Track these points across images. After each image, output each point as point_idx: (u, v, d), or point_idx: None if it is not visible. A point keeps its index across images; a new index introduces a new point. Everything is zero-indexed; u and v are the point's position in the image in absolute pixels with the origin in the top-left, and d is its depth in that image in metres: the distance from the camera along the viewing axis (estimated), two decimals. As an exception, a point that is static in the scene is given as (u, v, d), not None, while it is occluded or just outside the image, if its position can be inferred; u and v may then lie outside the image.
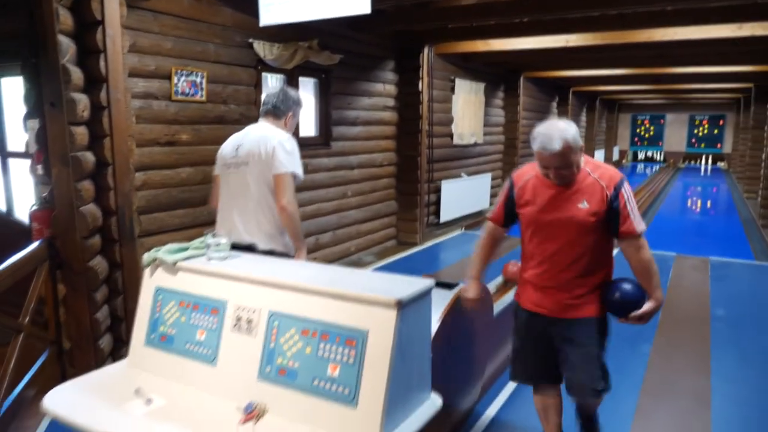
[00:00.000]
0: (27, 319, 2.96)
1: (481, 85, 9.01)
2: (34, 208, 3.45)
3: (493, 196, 9.92)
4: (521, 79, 10.30)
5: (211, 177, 4.39)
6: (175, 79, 4.02)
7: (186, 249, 1.93)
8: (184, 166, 4.19)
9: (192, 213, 4.27)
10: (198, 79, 4.23)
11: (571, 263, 2.20)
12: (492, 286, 4.23)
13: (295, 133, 5.09)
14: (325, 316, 1.54)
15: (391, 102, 6.84)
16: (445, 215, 8.06)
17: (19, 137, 4.04)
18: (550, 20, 5.86)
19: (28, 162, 4.01)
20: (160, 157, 3.99)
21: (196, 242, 1.98)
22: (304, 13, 3.82)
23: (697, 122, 20.70)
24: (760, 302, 5.27)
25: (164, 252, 1.87)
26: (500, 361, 3.48)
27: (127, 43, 3.35)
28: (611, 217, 2.14)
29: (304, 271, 1.81)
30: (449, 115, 8.09)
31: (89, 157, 3.20)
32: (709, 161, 20.94)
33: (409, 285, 1.56)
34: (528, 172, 2.33)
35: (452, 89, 8.14)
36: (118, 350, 3.52)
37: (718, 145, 20.53)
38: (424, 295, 1.59)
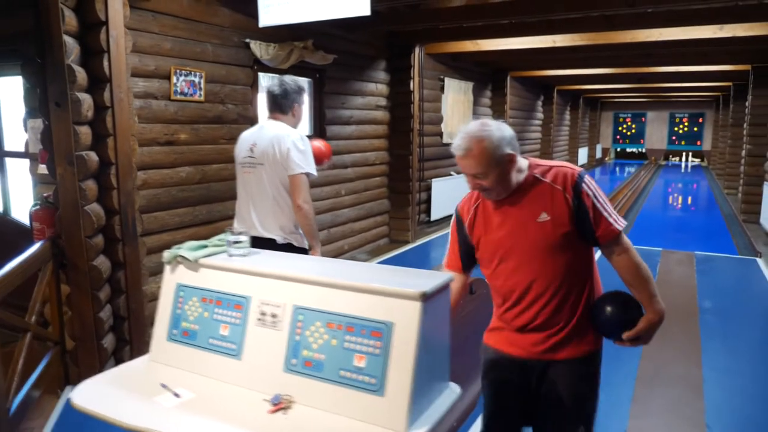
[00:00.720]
0: (33, 318, 2.97)
1: (470, 85, 9.11)
2: (35, 207, 3.45)
3: (481, 193, 10.03)
4: (508, 79, 10.43)
5: (210, 176, 4.44)
6: (174, 79, 4.04)
7: (205, 246, 1.97)
8: (183, 165, 4.21)
9: (191, 212, 4.29)
10: (196, 79, 4.25)
11: (552, 292, 1.77)
12: None
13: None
14: (350, 310, 1.60)
15: (383, 101, 6.91)
16: (436, 213, 8.15)
17: (18, 137, 4.03)
18: (538, 21, 5.97)
19: (25, 162, 4.01)
20: (159, 157, 4.01)
21: (215, 239, 2.02)
22: (303, 15, 3.87)
23: (677, 120, 21.11)
24: (746, 295, 5.45)
25: (185, 249, 1.91)
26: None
27: (130, 44, 3.37)
28: (581, 222, 1.72)
29: (326, 266, 1.86)
30: (439, 114, 8.18)
31: (93, 156, 3.22)
32: (689, 158, 21.36)
33: (432, 278, 1.63)
34: (473, 199, 1.92)
35: (442, 88, 8.23)
36: (121, 350, 3.54)
37: (698, 143, 20.96)
38: (445, 288, 1.65)
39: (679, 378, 3.53)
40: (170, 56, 4.03)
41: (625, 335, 1.75)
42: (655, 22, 5.64)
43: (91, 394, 1.69)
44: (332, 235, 6.09)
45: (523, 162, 1.80)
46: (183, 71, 4.13)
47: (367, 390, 1.53)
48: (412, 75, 7.02)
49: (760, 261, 6.47)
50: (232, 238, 1.91)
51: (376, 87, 6.76)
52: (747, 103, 9.42)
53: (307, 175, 2.73)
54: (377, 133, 6.85)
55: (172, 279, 1.93)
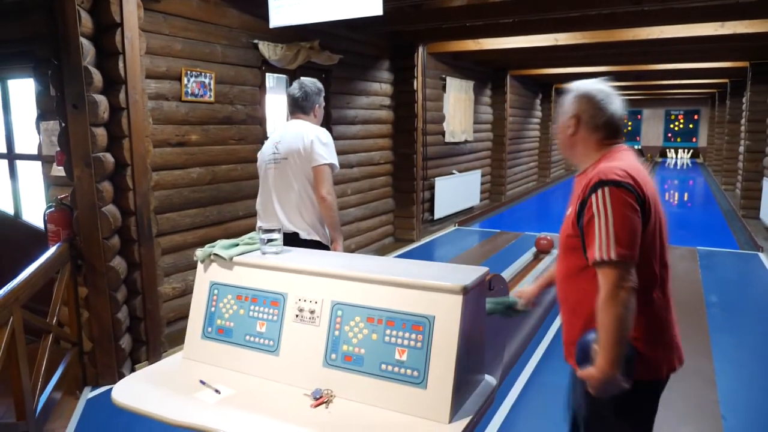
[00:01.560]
0: (55, 319, 2.98)
1: (471, 83, 9.15)
2: (50, 209, 3.45)
3: (483, 192, 10.09)
4: (508, 77, 10.48)
5: (220, 177, 4.44)
6: (185, 80, 4.05)
7: (237, 245, 1.99)
8: (194, 166, 4.22)
9: (202, 213, 4.30)
10: (206, 80, 4.26)
11: (562, 298, 1.70)
12: (521, 262, 4.35)
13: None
14: (390, 304, 1.62)
15: (387, 101, 6.94)
16: (439, 212, 8.18)
17: (29, 139, 4.02)
18: (540, 20, 6.01)
19: (37, 164, 4.00)
20: (171, 158, 4.02)
21: (246, 238, 2.04)
22: (314, 15, 3.89)
23: (672, 117, 21.24)
24: (750, 289, 5.50)
25: (219, 248, 1.92)
26: (515, 349, 3.60)
27: (144, 45, 3.38)
28: (579, 229, 1.53)
29: (361, 262, 1.88)
30: (441, 114, 8.21)
31: (109, 158, 3.23)
32: (686, 155, 21.49)
33: (470, 272, 1.66)
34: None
35: (443, 88, 8.26)
36: (138, 350, 3.55)
37: (694, 139, 21.09)
38: (482, 282, 1.68)
39: (692, 371, 3.57)
40: (181, 57, 4.04)
41: (578, 373, 1.56)
42: (658, 20, 5.69)
43: (131, 392, 1.70)
44: (339, 234, 6.10)
45: (594, 149, 1.63)
46: (193, 72, 4.13)
47: (410, 383, 1.55)
48: (415, 74, 7.05)
49: (762, 255, 6.53)
50: (266, 236, 1.93)
51: (380, 87, 6.79)
52: (745, 100, 9.50)
53: (331, 167, 2.78)
54: (382, 133, 6.88)
55: (205, 277, 1.95)
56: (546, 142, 14.21)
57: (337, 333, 1.68)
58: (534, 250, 4.56)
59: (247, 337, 1.82)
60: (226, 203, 4.53)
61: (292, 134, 2.81)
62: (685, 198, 13.06)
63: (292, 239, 2.63)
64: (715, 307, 4.76)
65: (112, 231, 3.25)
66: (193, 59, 4.15)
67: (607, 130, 1.63)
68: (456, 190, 8.60)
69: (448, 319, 1.55)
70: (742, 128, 9.58)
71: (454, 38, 7.08)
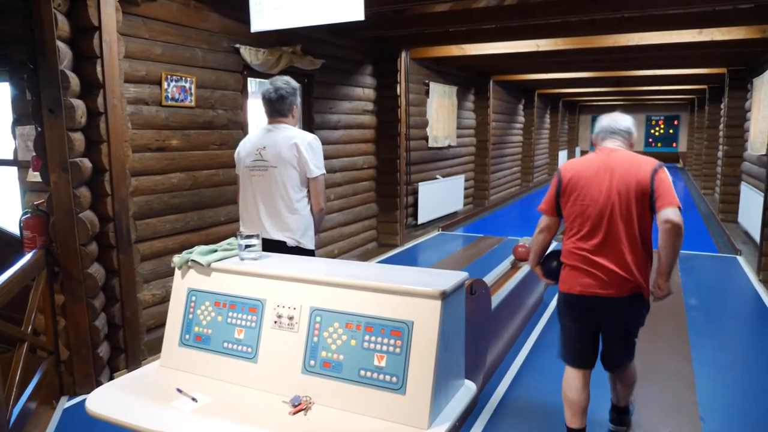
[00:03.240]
0: (30, 328, 2.92)
1: (454, 89, 9.20)
2: (26, 216, 3.38)
3: (466, 197, 10.14)
4: (491, 83, 10.56)
5: (201, 182, 4.40)
6: (165, 85, 4.01)
7: (215, 251, 1.97)
8: (175, 171, 4.17)
9: (183, 218, 4.26)
10: (187, 85, 4.22)
11: None
12: (499, 270, 4.35)
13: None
14: (368, 310, 1.61)
15: (370, 106, 6.94)
16: (423, 217, 8.19)
17: (5, 144, 3.95)
18: (522, 25, 6.07)
19: (12, 169, 3.93)
20: (151, 163, 3.97)
21: (224, 244, 2.02)
22: (295, 20, 3.87)
23: (653, 122, 21.55)
24: (729, 292, 5.59)
25: (197, 254, 1.90)
26: (498, 353, 3.61)
27: (123, 49, 3.34)
28: None
29: (341, 268, 1.87)
30: (424, 119, 8.24)
31: (87, 163, 3.18)
32: (665, 160, 21.81)
33: (448, 277, 1.65)
34: None
35: (426, 93, 8.29)
36: (116, 358, 3.49)
37: (674, 144, 21.42)
38: (461, 287, 1.68)
39: (672, 373, 3.61)
40: (161, 62, 4.00)
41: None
42: (637, 27, 5.77)
43: (106, 401, 1.67)
44: (321, 239, 6.08)
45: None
46: (174, 77, 4.10)
47: (389, 389, 1.54)
48: (398, 79, 7.07)
49: (740, 259, 6.64)
50: (244, 242, 1.91)
51: (363, 92, 6.79)
52: (723, 106, 9.67)
53: (323, 176, 2.84)
54: (365, 138, 6.88)
55: (183, 284, 1.92)
56: (529, 147, 14.33)
57: (315, 339, 1.67)
58: (512, 258, 4.56)
59: (225, 344, 1.80)
60: (208, 209, 4.49)
61: (280, 141, 2.77)
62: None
63: (277, 247, 2.57)
64: (695, 310, 4.82)
65: (89, 237, 3.20)
66: (174, 63, 4.11)
67: (595, 140, 2.65)
68: (439, 195, 8.62)
69: (426, 324, 1.54)
70: (721, 133, 9.75)
71: (437, 44, 7.11)
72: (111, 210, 3.33)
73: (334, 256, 6.32)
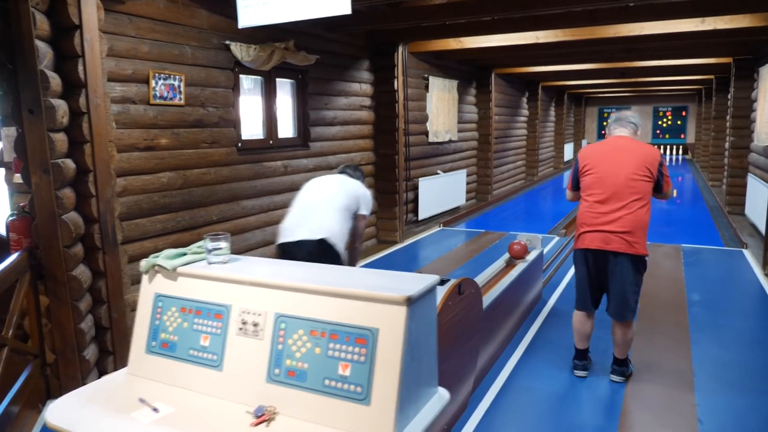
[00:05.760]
0: (11, 332, 2.89)
1: (454, 83, 9.09)
2: (11, 218, 3.35)
3: (468, 192, 10.04)
4: (492, 76, 10.43)
5: (192, 181, 4.36)
6: (152, 83, 3.96)
7: (184, 254, 1.91)
8: (164, 170, 4.13)
9: (173, 218, 4.22)
10: (176, 83, 4.17)
11: None
12: (493, 269, 4.28)
13: (272, 135, 5.12)
14: (334, 316, 1.55)
15: (367, 101, 6.86)
16: (423, 213, 8.12)
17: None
18: (521, 17, 5.96)
19: (1, 171, 3.90)
20: (139, 163, 3.93)
21: (195, 247, 1.96)
22: (283, 15, 3.81)
23: (661, 114, 21.27)
24: (733, 287, 5.47)
25: (163, 258, 1.85)
26: (490, 354, 3.54)
27: (105, 48, 3.28)
28: None
29: (308, 272, 1.81)
30: (424, 113, 8.15)
31: (69, 164, 3.13)
32: (674, 151, 21.55)
33: (417, 281, 1.59)
34: None
35: (426, 87, 8.19)
36: (104, 360, 3.46)
37: (682, 136, 21.15)
38: (431, 291, 1.61)
39: (671, 372, 3.52)
40: (148, 60, 3.95)
41: None
42: (638, 17, 5.65)
43: (65, 412, 1.63)
44: (319, 237, 6.02)
45: None
46: (162, 75, 4.05)
47: (353, 399, 1.48)
48: (395, 74, 6.98)
49: (746, 252, 6.51)
50: (211, 245, 1.86)
51: (360, 87, 6.71)
52: (729, 96, 9.49)
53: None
54: (362, 134, 6.81)
55: (150, 289, 1.87)
56: (533, 141, 14.18)
57: (280, 347, 1.61)
58: (507, 256, 4.48)
59: (191, 352, 1.74)
60: (199, 208, 4.45)
61: (344, 180, 3.61)
62: (673, 195, 13.06)
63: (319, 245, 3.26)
64: (697, 306, 4.72)
65: (73, 239, 3.15)
66: (161, 61, 4.06)
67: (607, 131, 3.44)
68: (440, 191, 8.54)
69: (392, 331, 1.48)
70: (728, 124, 9.58)
71: (435, 37, 7.02)
72: (96, 211, 3.28)
73: (331, 254, 6.26)
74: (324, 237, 3.23)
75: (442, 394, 1.68)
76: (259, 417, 1.54)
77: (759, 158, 7.55)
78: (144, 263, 1.87)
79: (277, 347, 1.61)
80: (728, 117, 9.48)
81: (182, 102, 4.25)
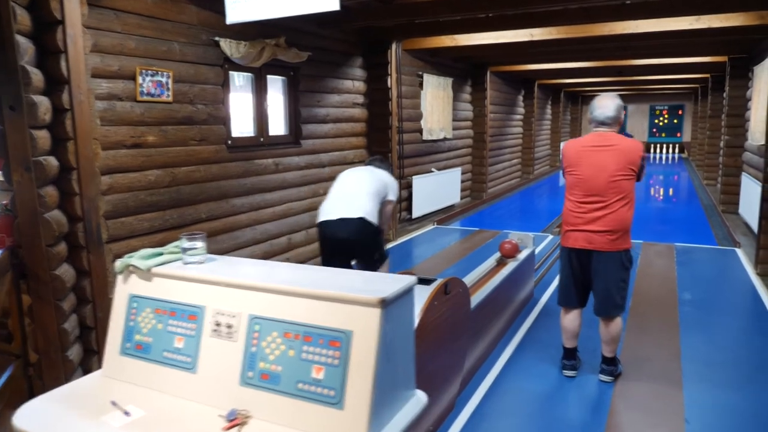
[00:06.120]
0: (-9, 332, 2.85)
1: (449, 80, 9.06)
2: (-6, 216, 3.31)
3: (463, 190, 10.01)
4: (488, 74, 10.40)
5: (181, 179, 4.31)
6: (140, 80, 3.92)
7: (160, 254, 1.88)
8: (152, 168, 4.09)
9: (161, 216, 4.18)
10: (164, 79, 4.13)
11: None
12: (483, 268, 4.25)
13: (263, 133, 5.09)
14: (308, 318, 1.52)
15: (360, 99, 6.82)
16: (417, 211, 8.09)
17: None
18: (515, 14, 5.92)
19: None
20: (126, 160, 3.89)
21: (171, 246, 1.93)
22: (271, 11, 3.77)
23: (657, 112, 21.26)
24: (724, 286, 5.46)
25: (137, 258, 1.81)
26: (478, 354, 3.51)
27: (89, 43, 3.24)
28: None
29: (284, 273, 1.78)
30: (418, 111, 8.12)
31: (52, 161, 3.09)
32: (671, 150, 21.55)
33: (392, 282, 1.56)
34: None
35: (420, 85, 8.16)
36: (89, 360, 3.42)
37: (678, 134, 21.15)
38: (408, 292, 1.58)
39: (659, 371, 3.50)
40: (135, 56, 3.90)
41: None
42: (632, 14, 5.62)
43: (35, 416, 1.59)
44: (311, 235, 5.99)
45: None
46: (149, 71, 4.00)
47: (326, 403, 1.45)
48: (389, 71, 6.94)
49: (738, 251, 6.50)
50: (187, 244, 1.82)
51: (353, 84, 6.67)
52: (725, 95, 9.48)
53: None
54: (355, 131, 6.77)
55: (124, 289, 1.84)
56: (529, 139, 14.15)
57: (254, 349, 1.58)
58: (498, 255, 4.45)
59: (165, 354, 1.71)
60: (187, 206, 4.41)
61: (376, 170, 4.09)
62: (670, 193, 13.05)
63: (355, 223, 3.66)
64: (688, 305, 4.70)
65: (56, 237, 3.11)
66: (149, 57, 4.02)
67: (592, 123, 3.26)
68: (434, 189, 8.51)
69: (366, 334, 1.45)
70: (723, 123, 9.56)
71: (428, 34, 6.98)
72: (80, 209, 3.25)
73: (323, 252, 6.24)
74: (362, 216, 3.67)
75: (419, 398, 1.66)
76: (231, 421, 1.51)
77: (753, 157, 7.54)
78: (119, 263, 1.84)
79: (250, 349, 1.58)
80: (723, 116, 9.46)
81: (170, 99, 4.21)
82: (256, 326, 1.58)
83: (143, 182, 4.02)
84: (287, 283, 1.60)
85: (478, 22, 6.22)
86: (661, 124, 21.44)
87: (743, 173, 8.02)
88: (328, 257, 3.80)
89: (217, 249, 4.76)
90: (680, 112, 20.96)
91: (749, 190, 7.25)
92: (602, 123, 3.19)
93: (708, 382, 3.35)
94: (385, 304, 1.45)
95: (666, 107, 21.07)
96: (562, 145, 18.31)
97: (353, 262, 3.89)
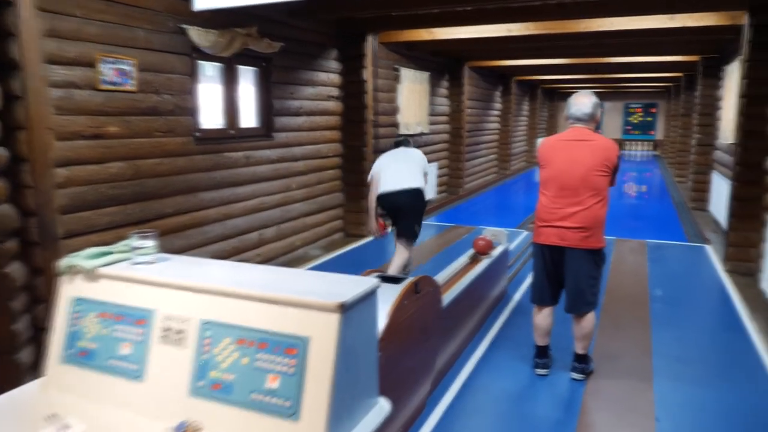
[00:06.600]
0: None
1: (426, 74, 8.97)
2: (-59, 209, 3.12)
3: (440, 185, 9.96)
4: (465, 69, 10.34)
5: (145, 172, 4.15)
6: (100, 67, 3.74)
7: (108, 253, 1.75)
8: (114, 160, 3.92)
9: (123, 210, 4.01)
10: (127, 67, 3.95)
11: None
12: (457, 265, 4.19)
13: (233, 125, 4.95)
14: (263, 324, 1.42)
15: (335, 91, 6.69)
16: (393, 206, 7.99)
17: None
18: (493, 9, 5.87)
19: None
20: (85, 152, 3.71)
21: (120, 245, 1.80)
22: (239, -2, 3.63)
23: (631, 110, 21.53)
24: (694, 282, 5.51)
25: (82, 257, 1.69)
26: (450, 352, 3.45)
27: (42, 27, 3.06)
28: None
29: (240, 274, 1.67)
30: (394, 105, 8.01)
31: (2, 152, 2.92)
32: (644, 147, 21.86)
33: (353, 285, 1.46)
34: None
35: (397, 78, 8.05)
36: (43, 363, 3.26)
37: (651, 132, 21.46)
38: (369, 296, 1.49)
39: (631, 368, 3.49)
40: (96, 42, 3.72)
41: None
42: (608, 11, 5.60)
43: (-36, 429, 1.47)
44: (283, 231, 5.87)
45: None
46: (110, 59, 3.83)
47: (281, 414, 1.36)
48: (365, 64, 6.82)
49: (708, 248, 6.57)
50: (137, 243, 1.70)
51: (328, 77, 6.54)
52: (696, 94, 9.59)
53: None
54: (329, 125, 6.64)
55: (68, 291, 1.71)
56: (506, 135, 14.17)
57: (205, 356, 1.47)
58: (471, 251, 4.39)
59: (111, 361, 1.60)
60: (152, 200, 4.24)
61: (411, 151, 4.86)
62: (643, 189, 13.21)
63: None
64: (659, 302, 4.72)
65: (6, 233, 2.95)
66: (111, 44, 3.83)
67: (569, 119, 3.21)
68: (410, 184, 8.42)
69: (323, 340, 1.36)
70: (695, 122, 9.69)
71: (406, 27, 6.88)
72: (33, 203, 3.08)
73: (296, 248, 6.12)
74: (418, 186, 4.57)
75: (382, 406, 1.57)
76: (179, 434, 1.40)
77: (723, 156, 7.63)
78: (62, 263, 1.71)
79: (201, 357, 1.47)
80: (695, 114, 9.58)
81: (134, 88, 4.04)
82: (208, 332, 1.48)
83: (104, 175, 3.85)
84: (242, 285, 1.50)
85: (456, 15, 6.14)
86: (635, 121, 21.73)
87: (714, 171, 8.12)
88: (394, 217, 4.78)
89: (185, 245, 4.60)
90: (653, 110, 21.26)
91: (719, 187, 7.34)
92: (579, 119, 3.16)
93: (678, 379, 3.34)
94: (344, 309, 1.35)
95: (640, 105, 21.35)
96: (538, 141, 18.48)
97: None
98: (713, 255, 6.22)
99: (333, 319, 1.35)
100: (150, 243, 1.70)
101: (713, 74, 8.76)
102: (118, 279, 1.65)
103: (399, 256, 4.74)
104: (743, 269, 5.32)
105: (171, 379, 1.49)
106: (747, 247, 5.30)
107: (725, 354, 3.75)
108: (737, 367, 3.56)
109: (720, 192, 7.22)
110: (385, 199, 4.63)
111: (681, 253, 6.52)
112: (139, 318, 1.58)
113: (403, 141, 4.93)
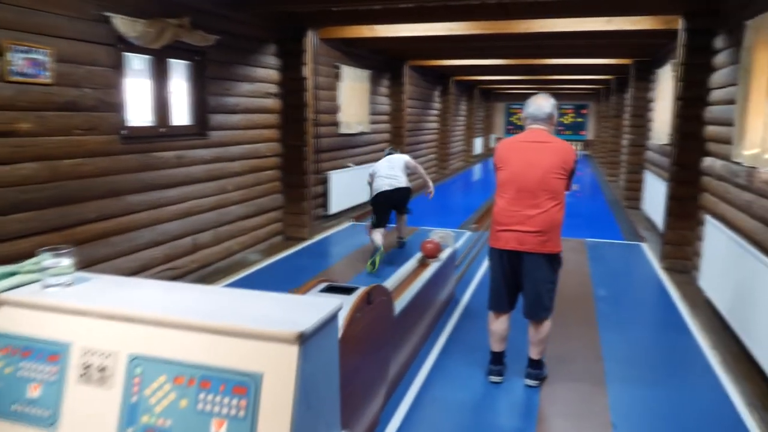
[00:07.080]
0: None
1: (367, 73, 8.82)
2: None
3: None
4: (406, 67, 10.27)
5: (63, 173, 3.75)
6: (9, 57, 3.33)
7: (14, 273, 1.47)
8: (26, 161, 3.51)
9: (38, 216, 3.60)
10: (41, 57, 3.55)
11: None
12: (406, 270, 4.04)
13: (164, 122, 4.63)
14: (206, 358, 1.20)
15: (274, 88, 6.41)
16: (335, 207, 7.80)
17: None
18: (434, 7, 5.78)
19: None
20: (-8, 151, 3.29)
21: (28, 264, 1.52)
22: (169, -17, 3.31)
23: (563, 111, 22.27)
24: (634, 281, 5.65)
25: (-21, 281, 1.40)
26: (402, 361, 3.30)
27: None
28: None
29: (176, 297, 1.44)
30: (335, 103, 7.81)
31: None
32: (576, 147, 22.68)
33: (312, 310, 1.27)
34: None
35: (337, 76, 7.85)
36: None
37: (583, 132, 22.30)
38: (330, 321, 1.30)
39: (583, 371, 3.47)
40: (4, 28, 3.31)
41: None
42: (549, 12, 5.64)
43: None
44: (219, 235, 5.54)
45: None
46: (22, 47, 3.41)
47: (229, 467, 1.14)
48: (305, 60, 6.58)
49: (644, 246, 6.78)
50: (49, 262, 1.43)
51: (266, 73, 6.25)
52: (628, 96, 9.95)
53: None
54: (268, 123, 6.35)
55: (-39, 322, 1.42)
56: (445, 135, 14.25)
57: (135, 398, 1.23)
58: (419, 255, 4.27)
59: (15, 407, 1.32)
60: (72, 204, 3.84)
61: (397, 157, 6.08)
62: (576, 188, 13.62)
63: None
64: (603, 301, 4.78)
65: None
66: (22, 31, 3.42)
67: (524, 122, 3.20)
68: (352, 184, 8.25)
69: (280, 376, 1.15)
70: (626, 122, 10.05)
71: (347, 23, 6.69)
72: (-73, 210, 2.67)
73: (233, 253, 5.80)
74: (407, 186, 5.88)
75: (346, 443, 1.38)
76: (102, 495, 1.16)
77: (655, 156, 7.93)
78: (-47, 288, 1.41)
79: (130, 399, 1.23)
80: (627, 116, 9.94)
81: (50, 80, 3.63)
82: (138, 369, 1.24)
83: (14, 176, 3.43)
84: (179, 312, 1.27)
85: (397, 12, 6.01)
86: (566, 122, 22.49)
87: (646, 171, 8.43)
88: (381, 211, 5.84)
89: (111, 252, 4.22)
90: (584, 111, 22.10)
91: (652, 187, 7.61)
92: (537, 119, 3.10)
93: (629, 381, 3.34)
94: (303, 339, 1.16)
95: (571, 106, 22.13)
96: (476, 141, 18.76)
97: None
98: (649, 253, 6.41)
99: (291, 352, 1.15)
100: (66, 261, 1.43)
101: (645, 77, 9.10)
102: (26, 306, 1.37)
103: (401, 224, 6.51)
104: (679, 267, 5.50)
105: (93, 426, 1.24)
106: (683, 246, 5.48)
107: (671, 353, 3.81)
108: (684, 366, 3.62)
109: (653, 191, 7.49)
110: (383, 196, 5.82)
111: (619, 252, 6.69)
112: (52, 353, 1.31)
113: (392, 150, 6.47)
